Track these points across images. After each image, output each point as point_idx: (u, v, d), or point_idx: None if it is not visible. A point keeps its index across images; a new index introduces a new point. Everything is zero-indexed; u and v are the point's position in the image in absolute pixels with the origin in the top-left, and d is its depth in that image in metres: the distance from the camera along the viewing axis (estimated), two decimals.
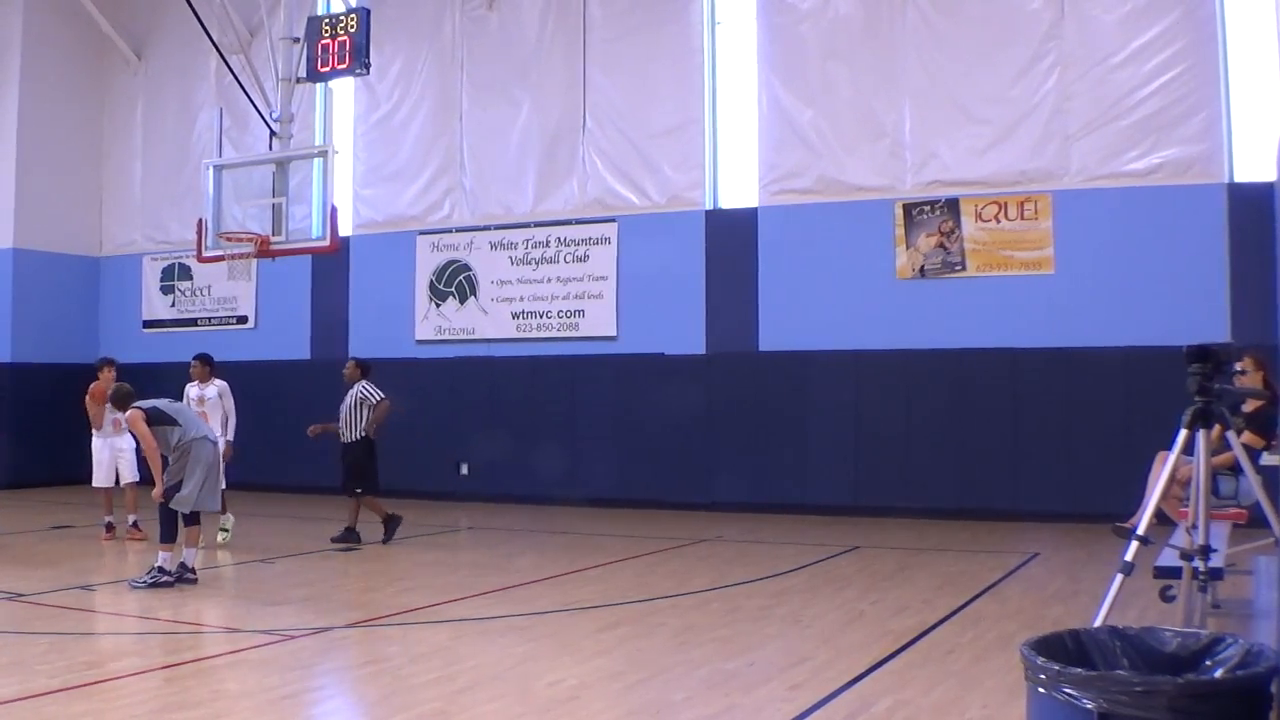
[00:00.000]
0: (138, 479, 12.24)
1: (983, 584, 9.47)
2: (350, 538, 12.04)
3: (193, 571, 9.48)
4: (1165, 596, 7.50)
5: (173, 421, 9.44)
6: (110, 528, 12.46)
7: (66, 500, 16.02)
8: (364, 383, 12.43)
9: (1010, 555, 11.15)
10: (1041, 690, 3.01)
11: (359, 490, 12.21)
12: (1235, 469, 7.38)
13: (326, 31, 12.57)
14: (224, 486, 10.93)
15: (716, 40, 16.37)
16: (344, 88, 17.68)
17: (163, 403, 9.73)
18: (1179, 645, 3.28)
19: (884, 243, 15.02)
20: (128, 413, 9.47)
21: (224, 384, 12.05)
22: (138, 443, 9.83)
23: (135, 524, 12.26)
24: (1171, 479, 5.90)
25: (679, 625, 7.84)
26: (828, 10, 15.40)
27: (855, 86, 15.22)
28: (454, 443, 16.96)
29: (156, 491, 9.35)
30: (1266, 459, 7.73)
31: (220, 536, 11.70)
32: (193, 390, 11.94)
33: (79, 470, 18.63)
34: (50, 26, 19.51)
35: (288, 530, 12.33)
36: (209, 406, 11.73)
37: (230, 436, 11.81)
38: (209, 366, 12.07)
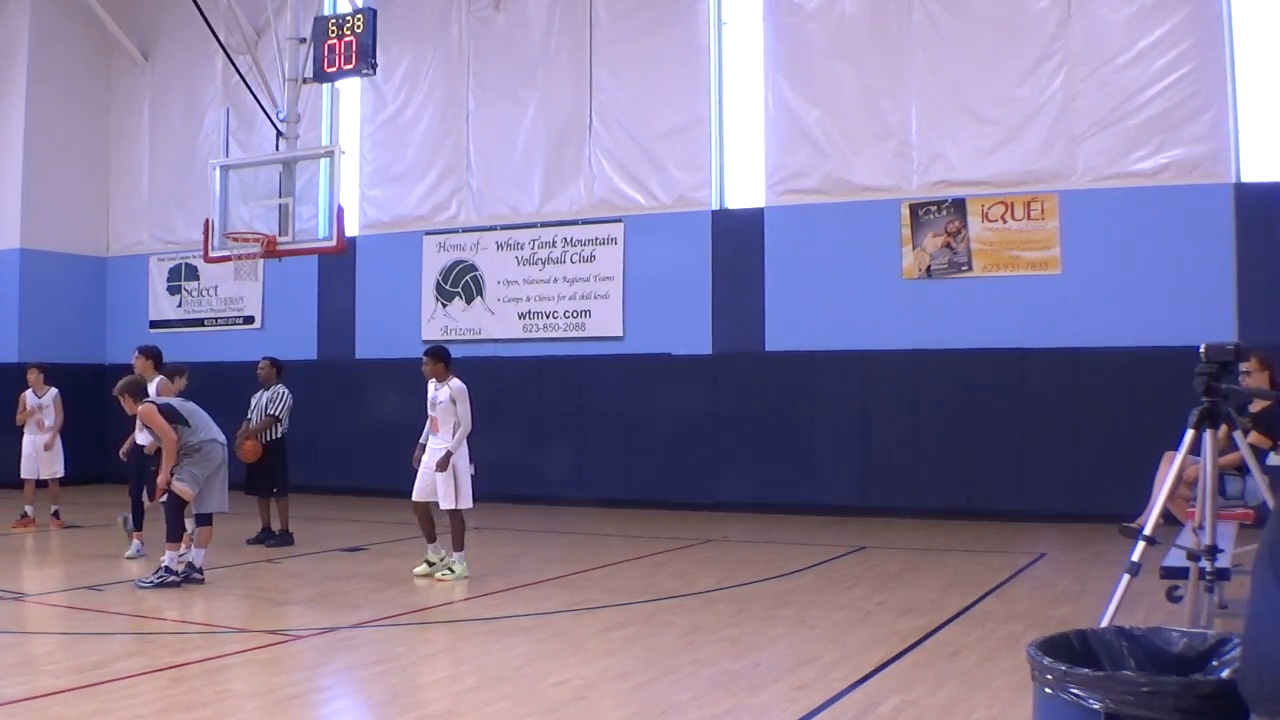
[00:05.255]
0: (54, 475, 13.69)
1: (990, 584, 9.47)
2: (286, 540, 12.09)
3: (200, 572, 9.50)
4: (1172, 597, 7.48)
5: (183, 421, 9.46)
6: (23, 516, 13.48)
7: (74, 500, 16.02)
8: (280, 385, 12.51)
9: (1017, 555, 11.14)
10: (1048, 690, 3.00)
11: (276, 491, 12.23)
12: (1242, 469, 7.37)
13: (333, 32, 12.58)
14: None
15: (723, 40, 16.38)
16: (350, 88, 17.71)
17: (176, 401, 9.75)
18: (1186, 645, 3.27)
19: (890, 243, 15.01)
20: (141, 407, 9.44)
21: (462, 386, 10.01)
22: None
23: (55, 513, 13.62)
24: (1178, 479, 5.89)
25: (686, 625, 7.84)
26: (834, 10, 15.40)
27: (862, 87, 15.21)
28: None
29: (162, 479, 9.37)
30: (1273, 459, 7.72)
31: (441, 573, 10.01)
32: (429, 389, 10.11)
33: (86, 470, 18.72)
34: (57, 26, 19.55)
35: (293, 530, 12.34)
36: (440, 411, 9.93)
37: (452, 446, 9.84)
38: (443, 362, 10.14)
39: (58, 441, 13.76)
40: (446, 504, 9.87)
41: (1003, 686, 5.95)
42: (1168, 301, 13.50)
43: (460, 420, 9.91)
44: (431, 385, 10.11)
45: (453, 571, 9.88)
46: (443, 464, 9.79)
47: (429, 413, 10.09)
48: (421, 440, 10.20)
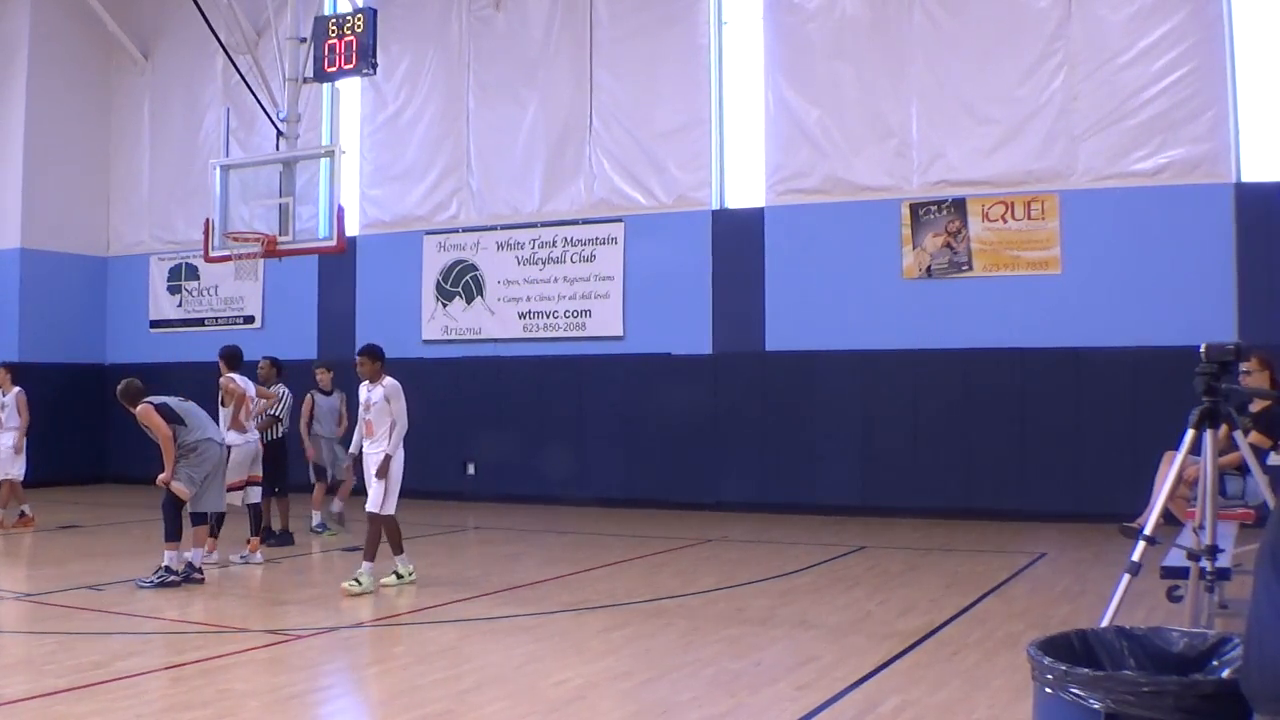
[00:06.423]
0: (8, 476, 13.34)
1: (990, 584, 9.47)
2: (286, 540, 12.09)
3: (200, 571, 9.52)
4: (1172, 596, 7.47)
5: (180, 421, 9.51)
6: (21, 515, 13.50)
7: (74, 500, 16.05)
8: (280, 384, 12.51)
9: (1017, 555, 11.13)
10: (1048, 690, 3.00)
11: (276, 490, 12.18)
12: (1242, 469, 7.37)
13: (333, 32, 12.57)
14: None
15: (723, 40, 16.37)
16: (351, 88, 17.71)
17: (173, 400, 9.78)
18: (1186, 645, 3.28)
19: (891, 243, 15.00)
20: (139, 407, 9.50)
21: (395, 384, 9.58)
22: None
23: None
24: (1179, 479, 5.89)
25: (686, 625, 7.85)
26: (834, 10, 15.39)
27: (862, 86, 15.21)
28: (461, 443, 16.97)
29: (163, 477, 9.41)
30: (1273, 459, 7.71)
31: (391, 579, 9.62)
32: (361, 392, 9.72)
33: (86, 470, 18.74)
34: (57, 26, 19.55)
35: (293, 530, 12.34)
36: (375, 413, 9.48)
37: (390, 449, 9.38)
38: (379, 362, 9.69)
39: (23, 443, 13.50)
40: (373, 507, 9.37)
41: (1003, 686, 5.95)
42: (1168, 301, 13.49)
43: (396, 420, 9.44)
44: (364, 388, 9.63)
45: (359, 583, 9.13)
46: (383, 470, 9.33)
47: (362, 417, 9.63)
48: (352, 450, 9.82)
